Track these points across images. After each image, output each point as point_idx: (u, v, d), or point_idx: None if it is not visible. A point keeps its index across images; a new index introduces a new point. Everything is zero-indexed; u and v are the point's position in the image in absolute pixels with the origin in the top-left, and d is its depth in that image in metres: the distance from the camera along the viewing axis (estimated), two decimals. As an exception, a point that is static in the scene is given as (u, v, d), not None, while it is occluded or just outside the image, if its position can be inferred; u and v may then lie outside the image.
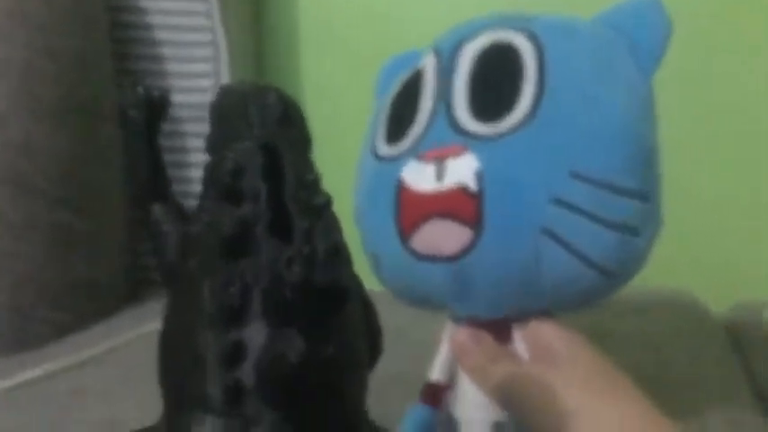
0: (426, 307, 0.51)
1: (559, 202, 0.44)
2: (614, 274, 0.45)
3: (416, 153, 0.47)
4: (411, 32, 1.02)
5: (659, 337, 0.77)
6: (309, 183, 0.28)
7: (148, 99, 0.31)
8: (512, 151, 0.44)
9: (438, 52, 0.50)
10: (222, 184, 0.28)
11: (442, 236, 0.45)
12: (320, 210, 0.27)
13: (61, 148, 0.83)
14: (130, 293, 0.94)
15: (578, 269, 0.44)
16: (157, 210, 0.31)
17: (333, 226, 0.28)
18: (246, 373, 0.26)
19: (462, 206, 0.45)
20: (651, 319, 0.81)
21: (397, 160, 0.48)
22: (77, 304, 0.86)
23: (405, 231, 0.47)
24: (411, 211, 0.46)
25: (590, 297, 0.47)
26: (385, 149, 0.50)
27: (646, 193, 0.45)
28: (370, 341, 0.31)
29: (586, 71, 0.46)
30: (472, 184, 0.44)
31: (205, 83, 0.92)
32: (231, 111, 0.30)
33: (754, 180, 0.99)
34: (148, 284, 0.96)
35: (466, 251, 0.45)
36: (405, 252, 0.47)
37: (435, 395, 0.51)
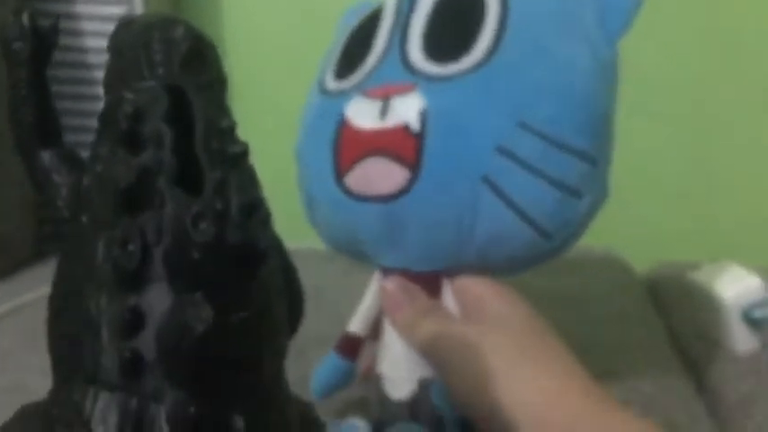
0: (357, 255, 0.49)
1: (504, 151, 0.42)
2: (550, 234, 0.44)
3: (364, 89, 0.45)
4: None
5: (584, 295, 0.77)
6: (223, 130, 0.25)
7: (35, 29, 0.27)
8: (460, 94, 0.43)
9: None
10: (119, 129, 0.24)
11: (378, 174, 0.44)
12: (235, 160, 0.24)
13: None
14: (38, 249, 0.90)
15: (514, 224, 0.43)
16: (46, 157, 0.27)
17: (250, 178, 0.24)
18: (146, 343, 0.23)
19: (401, 145, 0.43)
20: (576, 276, 0.81)
21: (342, 95, 0.46)
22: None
23: (341, 169, 0.45)
24: (350, 147, 0.45)
25: (525, 258, 0.46)
26: (332, 84, 0.48)
27: (593, 157, 0.44)
28: (291, 306, 0.28)
29: (549, 25, 0.45)
30: (414, 124, 0.43)
31: (118, 26, 0.87)
32: (132, 45, 0.27)
33: (682, 138, 1.00)
34: (58, 240, 0.91)
35: (401, 192, 0.43)
36: (339, 191, 0.45)
37: (352, 347, 0.49)
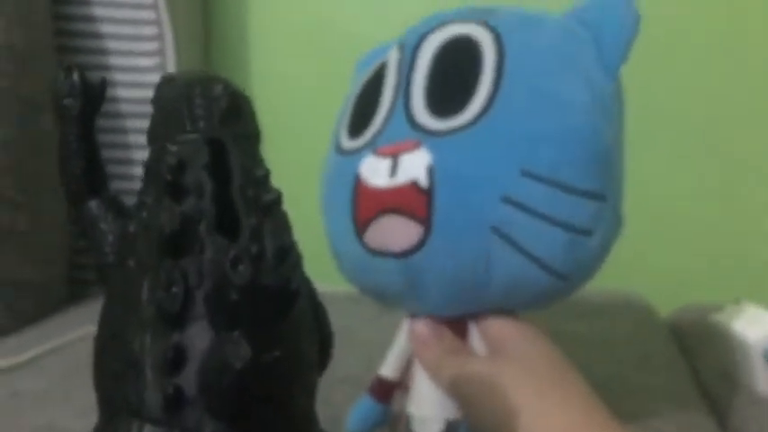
0: (386, 303, 0.50)
1: (509, 200, 0.43)
2: (566, 276, 0.44)
3: (374, 147, 0.46)
4: (364, 22, 1.01)
5: (608, 338, 0.77)
6: (258, 179, 0.27)
7: (84, 86, 0.29)
8: (463, 147, 0.44)
9: (402, 46, 0.49)
10: (163, 179, 0.26)
11: (393, 231, 0.45)
12: (269, 207, 0.26)
13: (1, 143, 0.80)
14: (71, 294, 0.92)
15: (529, 270, 0.44)
16: (93, 206, 0.29)
17: (283, 224, 0.26)
18: (187, 379, 0.24)
19: (413, 202, 0.44)
20: (600, 320, 0.82)
21: (356, 154, 0.47)
22: (15, 305, 0.84)
23: (359, 226, 0.46)
24: (365, 205, 0.46)
25: (544, 299, 0.47)
26: (347, 143, 0.49)
27: (600, 194, 0.45)
28: (321, 346, 0.29)
29: (545, 66, 0.45)
30: (423, 180, 0.44)
31: (150, 77, 0.90)
32: (174, 101, 0.29)
33: (702, 183, 1.00)
34: (90, 285, 0.93)
35: (415, 248, 0.44)
36: (360, 247, 0.46)
37: (385, 390, 0.50)
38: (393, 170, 0.45)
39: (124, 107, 0.89)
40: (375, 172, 0.45)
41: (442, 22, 0.48)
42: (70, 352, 0.73)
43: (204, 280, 0.25)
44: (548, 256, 0.44)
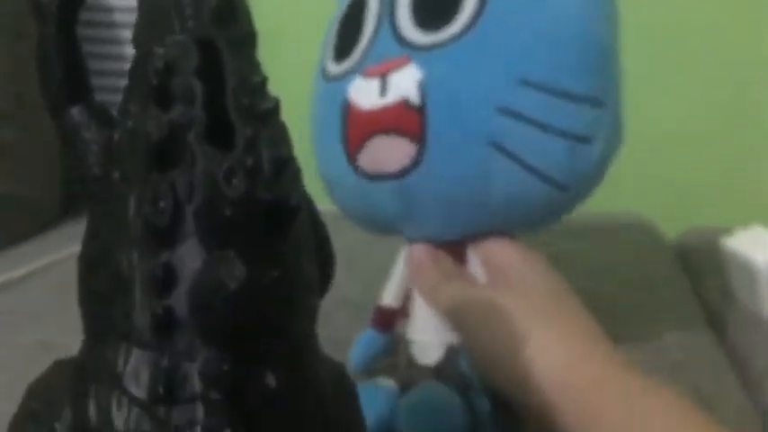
0: (380, 230, 0.49)
1: (506, 111, 0.41)
2: (567, 187, 0.43)
3: (362, 69, 0.45)
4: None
5: (612, 259, 0.77)
6: (254, 85, 0.25)
7: (63, -18, 0.27)
8: (454, 60, 0.42)
9: None
10: (149, 84, 0.24)
11: (387, 152, 0.43)
12: (266, 116, 0.24)
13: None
14: (66, 209, 0.90)
15: (529, 183, 0.42)
16: (76, 113, 0.27)
17: (281, 135, 0.24)
18: (178, 300, 0.22)
19: (405, 120, 0.42)
20: (606, 241, 0.81)
21: (344, 78, 0.46)
22: (8, 220, 0.82)
23: (351, 150, 0.44)
24: (356, 129, 0.44)
25: (546, 213, 0.45)
26: (333, 68, 0.48)
27: (599, 99, 0.43)
28: (321, 266, 0.28)
29: None
30: (414, 97, 0.42)
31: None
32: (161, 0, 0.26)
33: (711, 108, 0.98)
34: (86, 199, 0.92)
35: (411, 167, 0.43)
36: (352, 172, 0.45)
37: (387, 319, 0.49)
38: (382, 90, 0.43)
39: (118, 17, 0.86)
40: (364, 93, 0.44)
41: None
42: (63, 269, 0.72)
43: (195, 194, 0.23)
44: (548, 166, 0.42)
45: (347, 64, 0.46)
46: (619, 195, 0.91)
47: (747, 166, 0.99)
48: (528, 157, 0.42)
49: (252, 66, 0.26)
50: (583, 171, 0.44)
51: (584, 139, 0.43)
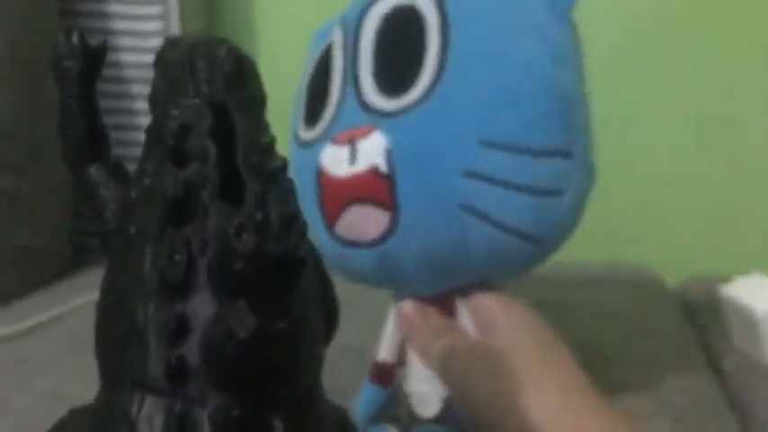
0: (370, 286, 0.49)
1: (472, 173, 0.41)
2: (540, 239, 0.44)
3: (331, 135, 0.45)
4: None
5: (615, 309, 0.77)
6: (263, 145, 0.26)
7: (85, 48, 0.28)
8: (417, 125, 0.42)
9: (344, 23, 0.47)
10: (166, 144, 0.25)
11: (361, 222, 0.43)
12: (274, 174, 0.25)
13: (4, 109, 0.79)
14: (77, 260, 0.91)
15: (506, 240, 0.43)
16: (95, 172, 0.28)
17: (288, 192, 0.25)
18: (191, 349, 0.24)
19: (375, 189, 0.43)
20: (606, 291, 0.81)
21: (316, 145, 0.46)
22: (21, 270, 0.83)
23: (329, 220, 0.45)
24: (331, 198, 0.44)
25: (523, 264, 0.46)
26: (304, 134, 0.48)
27: (566, 150, 0.43)
28: (326, 316, 0.29)
29: (492, 25, 0.43)
30: (383, 165, 0.42)
31: (154, 42, 0.89)
32: (177, 65, 0.28)
33: (709, 155, 0.99)
34: (95, 251, 0.93)
35: (386, 235, 0.43)
36: (332, 240, 0.45)
37: (385, 374, 0.50)
38: (352, 157, 0.43)
39: (127, 72, 0.88)
40: (335, 161, 0.44)
41: None
42: (75, 318, 0.73)
43: (208, 248, 0.24)
44: (519, 222, 0.43)
45: (317, 130, 0.46)
46: (619, 245, 0.92)
47: (745, 212, 0.99)
48: (498, 215, 0.42)
49: (261, 127, 0.27)
50: (554, 222, 0.44)
51: (552, 193, 0.43)
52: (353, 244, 0.44)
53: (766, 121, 0.98)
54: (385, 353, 0.50)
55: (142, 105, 0.89)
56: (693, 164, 0.98)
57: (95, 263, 0.91)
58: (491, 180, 0.41)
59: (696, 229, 0.99)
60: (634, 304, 0.79)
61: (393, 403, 0.49)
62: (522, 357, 0.43)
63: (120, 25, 0.89)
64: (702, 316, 0.77)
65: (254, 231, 0.24)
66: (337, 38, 0.47)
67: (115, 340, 0.25)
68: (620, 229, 0.85)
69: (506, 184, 0.42)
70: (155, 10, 0.88)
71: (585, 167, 0.45)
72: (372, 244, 0.44)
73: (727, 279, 0.70)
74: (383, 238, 0.43)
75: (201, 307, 0.24)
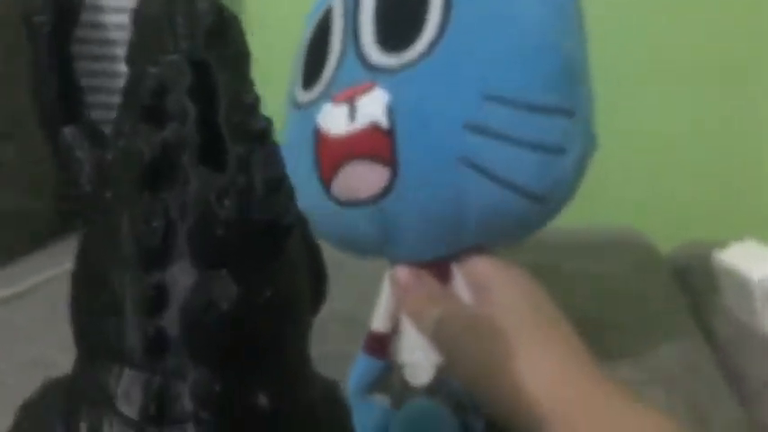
0: (361, 255, 0.49)
1: (474, 127, 0.41)
2: (543, 198, 0.43)
3: (330, 95, 0.45)
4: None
5: (607, 275, 0.77)
6: (247, 105, 0.25)
7: (57, 2, 0.27)
8: (419, 80, 0.42)
9: None
10: (142, 103, 0.24)
11: (360, 178, 0.43)
12: (259, 135, 0.24)
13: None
14: (60, 225, 0.90)
15: (504, 197, 0.42)
16: (69, 133, 0.27)
17: (274, 154, 0.24)
18: (170, 321, 0.22)
19: (376, 145, 0.42)
20: (599, 257, 0.81)
21: (313, 106, 0.46)
22: (5, 236, 0.82)
23: (325, 179, 0.44)
24: (328, 156, 0.44)
25: (523, 225, 0.45)
26: (302, 95, 0.48)
27: (569, 110, 0.43)
28: (314, 285, 0.28)
29: None
30: (383, 121, 0.42)
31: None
32: (155, 19, 0.26)
33: (704, 121, 0.98)
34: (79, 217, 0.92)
35: (385, 192, 0.43)
36: (328, 200, 0.45)
37: (379, 345, 0.49)
38: (351, 115, 0.43)
39: (112, 34, 0.86)
40: (333, 120, 0.44)
41: None
42: (59, 285, 0.72)
43: (187, 214, 0.23)
44: (522, 179, 0.42)
45: (316, 91, 0.46)
46: (612, 210, 0.91)
47: (741, 179, 0.99)
48: (500, 171, 0.42)
49: (244, 85, 0.26)
50: (557, 181, 0.44)
51: (555, 150, 0.43)
52: (351, 203, 0.44)
53: (762, 87, 0.97)
54: (379, 322, 0.49)
55: (124, 68, 0.87)
56: (688, 130, 0.98)
57: (80, 229, 0.90)
58: (493, 134, 0.41)
59: (690, 195, 0.98)
60: (627, 270, 0.79)
61: (387, 374, 0.49)
62: (517, 322, 0.43)
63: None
64: (696, 282, 0.77)
65: (236, 196, 0.22)
66: (337, 1, 0.46)
67: (91, 311, 0.24)
68: (614, 195, 0.83)
69: (508, 139, 0.41)
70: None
71: (587, 129, 0.45)
72: (370, 201, 0.43)
73: (721, 245, 0.69)
74: (382, 194, 0.43)
75: (181, 276, 0.22)
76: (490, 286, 0.45)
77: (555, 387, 0.40)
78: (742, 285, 0.65)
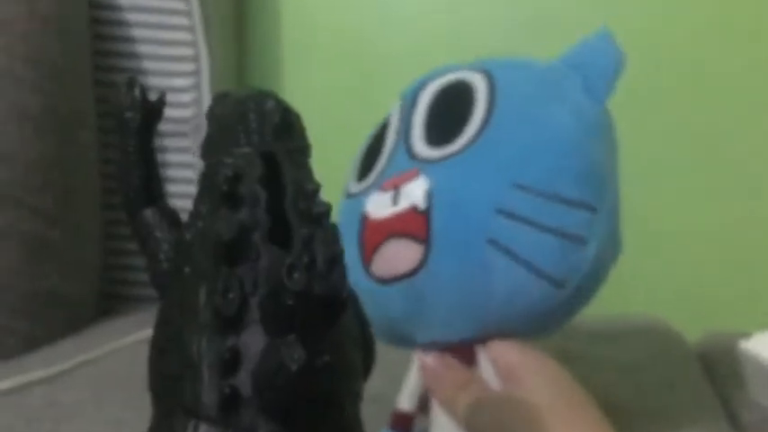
0: (391, 338, 0.51)
1: (503, 212, 0.45)
2: (561, 282, 0.46)
3: (379, 185, 0.49)
4: (392, 51, 1.03)
5: (633, 363, 0.78)
6: (309, 192, 0.28)
7: (145, 101, 0.31)
8: (457, 169, 0.47)
9: (402, 98, 0.52)
10: (220, 190, 0.27)
11: (396, 255, 0.47)
12: (320, 218, 0.27)
13: (39, 157, 0.82)
14: (103, 308, 0.93)
15: (526, 277, 0.45)
16: (149, 215, 0.30)
17: (332, 235, 0.27)
18: (243, 381, 0.25)
19: (413, 224, 0.46)
20: (625, 345, 0.82)
21: (362, 195, 0.50)
22: (50, 317, 0.85)
23: (366, 258, 0.48)
24: (371, 236, 0.48)
25: (547, 312, 0.48)
26: (354, 187, 0.52)
27: (590, 205, 0.47)
28: (365, 352, 0.30)
29: (532, 95, 0.49)
30: (422, 203, 0.46)
31: (186, 97, 0.92)
32: (228, 117, 0.30)
33: (728, 210, 1.00)
34: (121, 299, 0.95)
35: (418, 267, 0.46)
36: (367, 279, 0.48)
37: (404, 423, 0.51)
38: (395, 200, 0.47)
39: (161, 126, 0.91)
40: (379, 205, 0.48)
41: (439, 72, 0.51)
42: (103, 364, 0.75)
43: (259, 286, 0.26)
44: (541, 261, 0.45)
45: (367, 182, 0.51)
46: (640, 299, 0.93)
47: (764, 267, 1.00)
48: (524, 253, 0.45)
49: (307, 175, 0.29)
50: (576, 268, 0.46)
51: (576, 239, 0.46)
52: (387, 280, 0.47)
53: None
54: (405, 402, 0.51)
55: (174, 158, 0.92)
56: (711, 218, 0.99)
57: (121, 311, 0.93)
58: (518, 218, 0.45)
59: (714, 284, 0.99)
60: (652, 358, 0.79)
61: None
62: (548, 406, 0.44)
63: (152, 81, 0.92)
64: (720, 371, 0.77)
65: (303, 271, 0.25)
66: (395, 109, 0.52)
67: (170, 372, 0.27)
68: (638, 283, 0.85)
69: (533, 224, 0.45)
70: (187, 67, 0.91)
71: (611, 228, 0.49)
72: (404, 276, 0.46)
73: (745, 335, 0.70)
74: (415, 269, 0.46)
75: (253, 341, 0.25)
76: (518, 370, 0.46)
77: None
78: (766, 374, 0.66)
